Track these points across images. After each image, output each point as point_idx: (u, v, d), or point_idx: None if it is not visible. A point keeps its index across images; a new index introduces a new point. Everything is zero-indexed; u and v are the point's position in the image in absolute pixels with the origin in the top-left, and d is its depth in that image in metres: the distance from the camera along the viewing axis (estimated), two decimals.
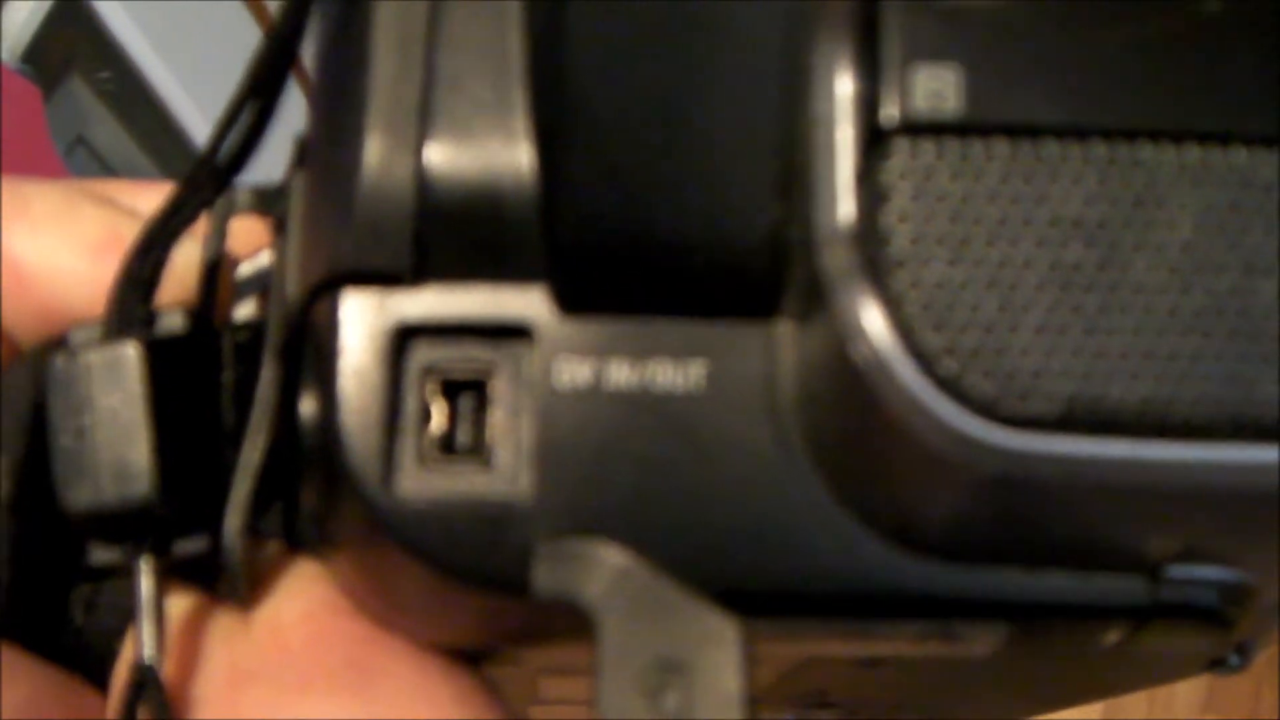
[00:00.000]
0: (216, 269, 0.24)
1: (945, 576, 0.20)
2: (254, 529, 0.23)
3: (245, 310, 0.25)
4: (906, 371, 0.18)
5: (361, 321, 0.20)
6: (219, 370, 0.23)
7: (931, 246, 0.18)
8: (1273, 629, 0.24)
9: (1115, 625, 0.21)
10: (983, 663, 0.23)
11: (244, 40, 0.87)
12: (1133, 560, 0.20)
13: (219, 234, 0.24)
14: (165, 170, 0.83)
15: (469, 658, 0.23)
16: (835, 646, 0.22)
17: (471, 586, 0.20)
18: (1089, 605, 0.21)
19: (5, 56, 0.78)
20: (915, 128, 0.18)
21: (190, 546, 0.22)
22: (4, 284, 0.24)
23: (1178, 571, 0.20)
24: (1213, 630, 0.21)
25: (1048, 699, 0.29)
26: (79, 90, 0.80)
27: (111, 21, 0.79)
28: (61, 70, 0.80)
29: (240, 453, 0.22)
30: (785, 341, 0.20)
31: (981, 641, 0.21)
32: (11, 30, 0.77)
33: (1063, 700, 0.29)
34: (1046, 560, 0.20)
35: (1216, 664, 0.25)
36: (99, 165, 0.81)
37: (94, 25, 0.79)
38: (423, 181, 0.20)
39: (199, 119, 0.83)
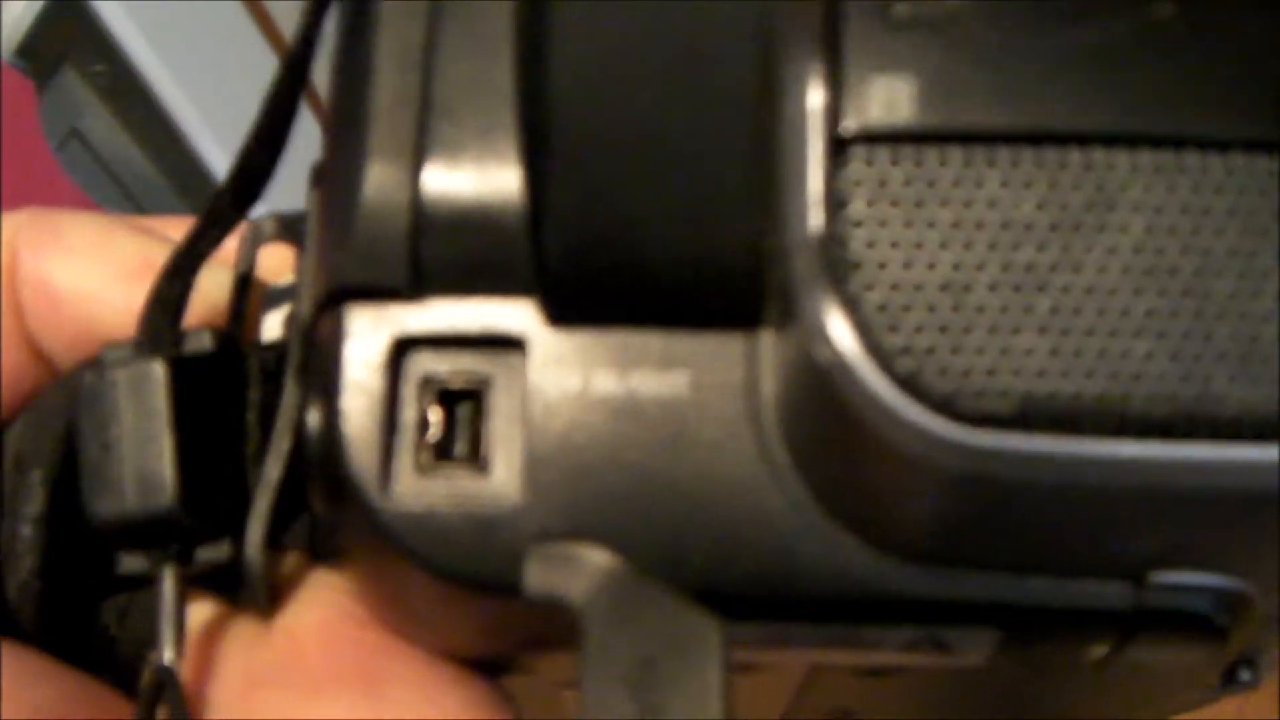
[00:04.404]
0: (244, 292, 0.25)
1: (929, 581, 0.21)
2: (275, 541, 0.24)
3: (272, 332, 0.26)
4: (866, 371, 0.18)
5: (362, 334, 0.21)
6: (245, 389, 0.24)
7: (887, 250, 0.18)
8: None
9: (1103, 632, 0.21)
10: (986, 678, 0.23)
11: (239, 35, 0.87)
12: (1116, 565, 0.21)
13: (247, 259, 0.26)
14: (158, 164, 0.84)
15: (486, 669, 0.24)
16: (826, 654, 0.22)
17: (465, 588, 0.21)
18: (1075, 611, 0.21)
19: (1, 51, 0.79)
20: (872, 136, 0.19)
21: (213, 555, 0.24)
22: (41, 309, 0.25)
23: (1163, 577, 0.21)
24: (1206, 640, 0.21)
25: None
26: (73, 84, 0.80)
27: (107, 15, 0.80)
28: (56, 64, 0.80)
29: (263, 467, 0.23)
30: (766, 350, 0.21)
31: (971, 649, 0.22)
32: (7, 24, 0.79)
33: None
34: (1030, 565, 0.21)
35: (1229, 682, 0.24)
36: (92, 158, 0.82)
37: (89, 19, 0.79)
38: (419, 202, 0.21)
39: (194, 113, 0.84)
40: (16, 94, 0.80)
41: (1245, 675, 0.24)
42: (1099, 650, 0.22)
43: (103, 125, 0.82)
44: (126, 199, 0.85)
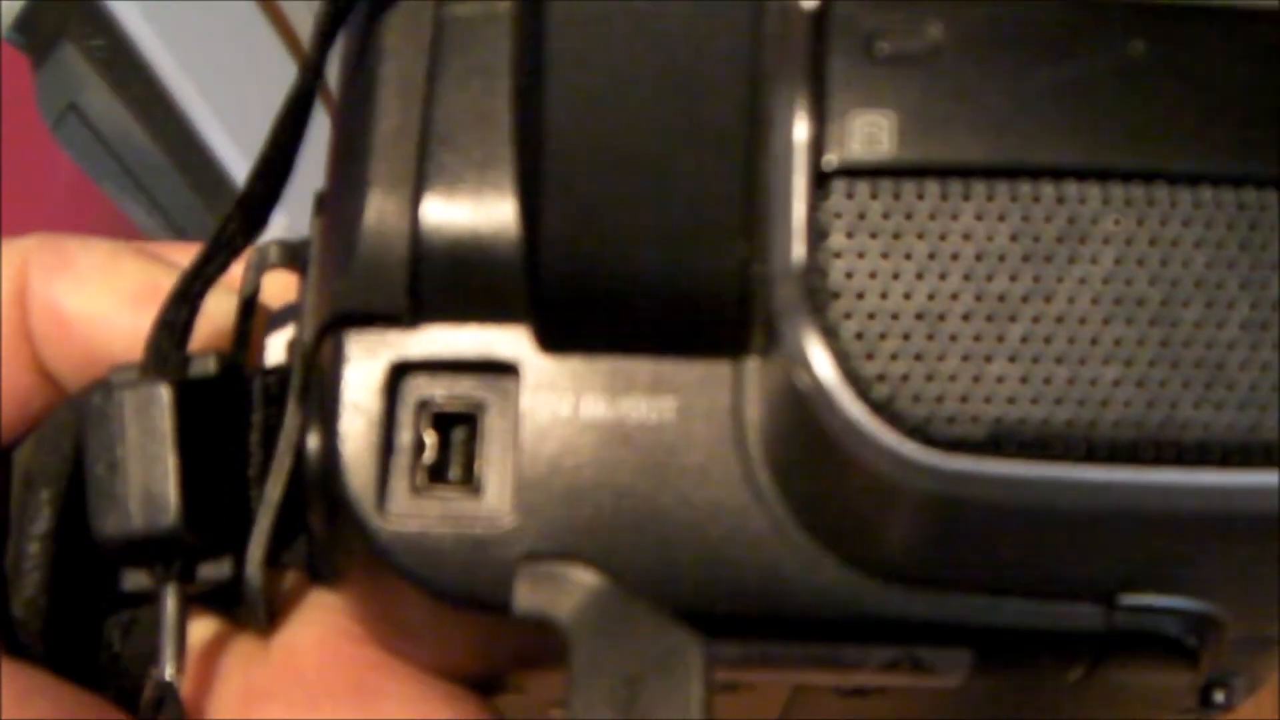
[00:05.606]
0: (248, 317, 0.26)
1: (907, 601, 0.21)
2: (275, 560, 0.24)
3: (275, 355, 0.27)
4: (843, 397, 0.19)
5: (361, 359, 0.22)
6: (249, 412, 0.25)
7: (865, 280, 0.19)
8: (1262, 666, 0.25)
9: (1077, 654, 0.22)
10: (964, 699, 0.24)
11: (238, 11, 0.87)
12: (1087, 587, 0.21)
13: (252, 285, 0.26)
14: (156, 139, 0.83)
15: (478, 688, 0.25)
16: (808, 673, 0.23)
17: (457, 607, 0.22)
18: (1048, 632, 0.21)
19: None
20: (853, 170, 0.19)
21: (214, 573, 0.24)
22: (50, 332, 0.26)
23: (1132, 600, 0.21)
24: (1176, 662, 0.22)
25: None
26: (71, 58, 0.79)
27: None
28: (53, 38, 0.79)
29: (264, 488, 0.24)
30: (751, 377, 0.21)
31: (949, 669, 0.22)
32: None
33: None
34: (1005, 587, 0.21)
35: (1205, 703, 0.25)
36: (90, 134, 0.81)
37: None
38: (417, 231, 0.22)
39: (192, 89, 0.82)
40: (12, 69, 0.80)
41: (1219, 697, 0.25)
42: (1074, 672, 0.22)
43: (100, 100, 0.81)
44: (124, 175, 0.84)
